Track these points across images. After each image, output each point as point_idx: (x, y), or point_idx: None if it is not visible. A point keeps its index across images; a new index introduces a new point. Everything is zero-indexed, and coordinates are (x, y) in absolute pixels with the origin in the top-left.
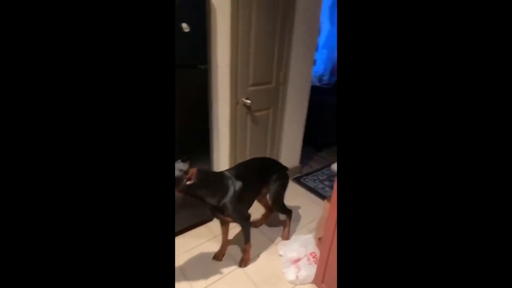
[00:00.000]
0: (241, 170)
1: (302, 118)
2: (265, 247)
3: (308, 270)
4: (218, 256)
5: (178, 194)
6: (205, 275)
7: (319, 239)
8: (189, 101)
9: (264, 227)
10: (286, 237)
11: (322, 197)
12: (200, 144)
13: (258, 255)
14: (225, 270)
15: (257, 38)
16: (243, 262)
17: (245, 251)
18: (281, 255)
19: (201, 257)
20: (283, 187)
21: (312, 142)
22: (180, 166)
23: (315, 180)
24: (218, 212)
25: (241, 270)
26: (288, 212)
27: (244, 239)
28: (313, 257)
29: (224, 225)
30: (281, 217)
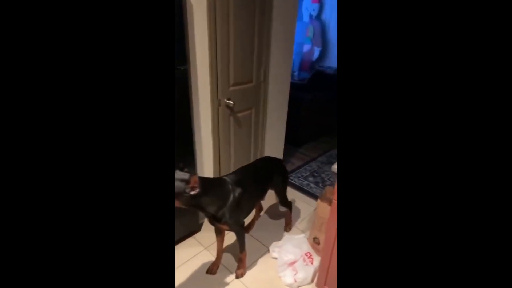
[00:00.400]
0: (241, 175)
1: (284, 116)
2: (257, 251)
3: (306, 271)
4: (212, 269)
5: (178, 206)
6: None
7: (314, 239)
8: None
9: (253, 231)
10: (290, 227)
11: (309, 194)
12: (183, 149)
13: (252, 262)
14: (222, 284)
15: (236, 35)
16: (240, 272)
17: (240, 260)
18: (275, 258)
19: (194, 272)
20: (285, 182)
21: (291, 139)
22: (180, 176)
23: (299, 177)
24: (215, 220)
25: (237, 281)
26: (289, 204)
27: (240, 247)
28: (309, 257)
29: (220, 235)
30: (281, 208)
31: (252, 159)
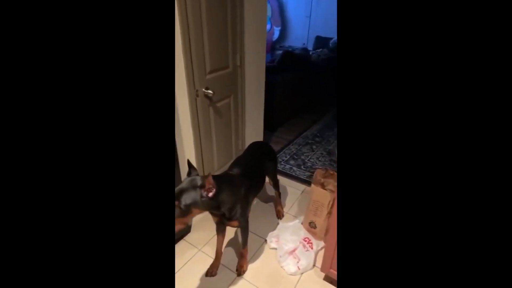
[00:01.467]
0: (243, 167)
1: (261, 101)
2: (254, 244)
3: (307, 257)
4: (212, 271)
5: (198, 214)
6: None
7: (310, 223)
8: None
9: None
10: (282, 214)
11: (294, 178)
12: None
13: (251, 256)
14: (224, 284)
15: (209, 19)
16: (242, 268)
17: (242, 256)
18: (273, 248)
19: (193, 276)
20: (276, 164)
21: (265, 124)
22: (191, 183)
23: (280, 162)
24: (226, 218)
25: (240, 278)
26: (278, 188)
27: (243, 242)
28: (308, 242)
29: (222, 233)
30: (269, 192)
31: (234, 150)
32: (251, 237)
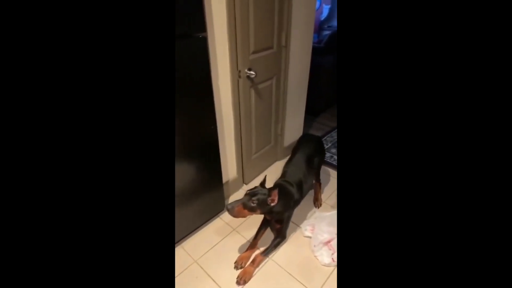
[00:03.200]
0: (297, 173)
1: (305, 84)
2: (288, 231)
3: None
4: (243, 260)
5: (256, 214)
6: (235, 274)
7: None
8: (188, 77)
9: None
10: (321, 203)
11: (334, 167)
12: (204, 129)
13: (284, 242)
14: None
15: None
16: (242, 279)
17: (256, 260)
18: (307, 237)
19: (226, 255)
20: (323, 161)
21: (307, 108)
22: (262, 190)
23: None
24: (273, 220)
25: (272, 262)
26: (319, 179)
27: (267, 249)
28: None
29: (265, 227)
30: None
31: (272, 134)
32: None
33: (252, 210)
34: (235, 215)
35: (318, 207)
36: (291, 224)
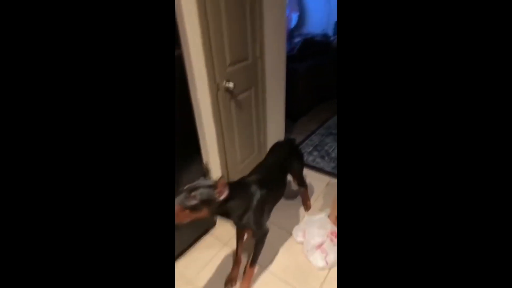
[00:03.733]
0: (262, 173)
1: (282, 91)
2: (279, 238)
3: (335, 252)
4: (232, 280)
5: (204, 215)
6: None
7: (337, 217)
8: None
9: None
10: (310, 206)
11: (318, 170)
12: (186, 143)
13: (276, 249)
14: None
15: (228, 8)
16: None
17: (245, 276)
18: (299, 242)
19: (219, 271)
20: (302, 163)
21: (286, 114)
22: (206, 183)
23: (304, 153)
24: (239, 226)
25: (267, 272)
26: (305, 183)
27: (252, 259)
28: (335, 236)
29: (241, 239)
30: (294, 187)
31: (255, 143)
32: (276, 231)
33: (196, 210)
34: (181, 221)
35: (307, 211)
36: (282, 232)
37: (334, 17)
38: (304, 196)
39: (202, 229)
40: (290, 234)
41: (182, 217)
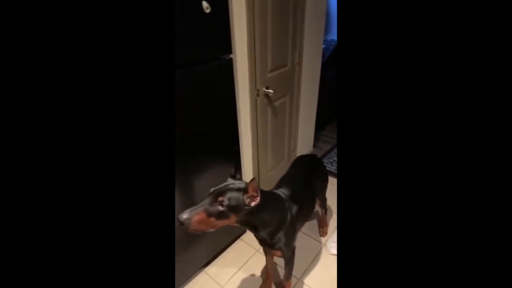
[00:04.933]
0: (293, 187)
1: (315, 99)
2: (312, 249)
3: None
4: None
5: (231, 223)
6: None
7: None
8: (216, 98)
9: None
10: (326, 232)
11: None
12: (228, 148)
13: (310, 261)
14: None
15: (274, 15)
16: None
17: None
18: (333, 254)
19: (250, 278)
20: (327, 182)
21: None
22: (236, 185)
23: (332, 162)
24: (267, 245)
25: (303, 284)
26: (326, 206)
27: (286, 275)
28: None
29: (270, 254)
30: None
31: (286, 150)
32: (309, 241)
33: (222, 218)
34: (194, 228)
35: (324, 236)
36: (314, 242)
37: None
38: (322, 219)
39: (234, 235)
40: (323, 245)
41: (207, 225)
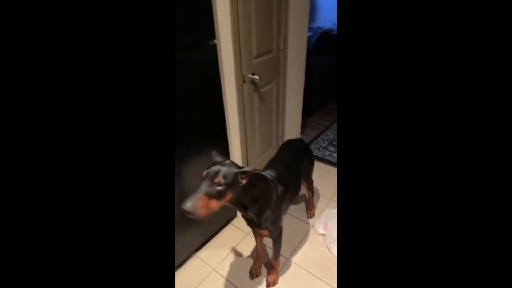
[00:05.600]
0: (279, 170)
1: (301, 85)
2: (301, 229)
3: None
4: (256, 272)
5: (229, 200)
6: (256, 280)
7: None
8: (201, 84)
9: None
10: (314, 214)
11: (335, 164)
12: (216, 135)
13: (298, 241)
14: None
15: (257, 3)
16: (272, 280)
17: (272, 267)
18: (321, 234)
19: (242, 260)
20: (313, 165)
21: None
22: (224, 163)
23: (319, 148)
24: (254, 225)
25: (291, 263)
26: (313, 188)
27: (274, 254)
28: None
29: (259, 237)
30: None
31: (274, 136)
32: (297, 223)
33: (221, 197)
34: (201, 214)
35: (311, 217)
36: (302, 223)
37: None
38: (309, 202)
39: (224, 220)
40: (311, 226)
41: (209, 208)
